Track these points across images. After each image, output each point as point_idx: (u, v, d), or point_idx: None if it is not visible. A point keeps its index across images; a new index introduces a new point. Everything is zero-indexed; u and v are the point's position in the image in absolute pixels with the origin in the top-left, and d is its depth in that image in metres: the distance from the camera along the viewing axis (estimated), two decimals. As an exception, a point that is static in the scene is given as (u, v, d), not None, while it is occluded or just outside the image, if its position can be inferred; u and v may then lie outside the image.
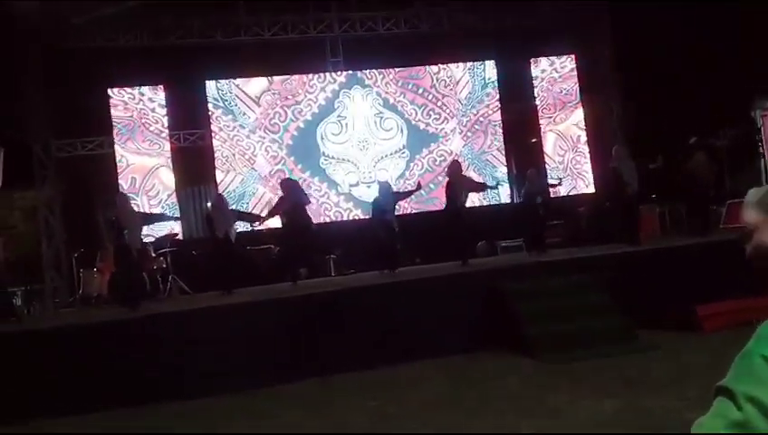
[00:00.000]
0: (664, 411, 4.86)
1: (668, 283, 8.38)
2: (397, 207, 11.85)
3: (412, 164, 15.80)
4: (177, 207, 14.55)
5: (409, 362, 7.49)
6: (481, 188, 12.52)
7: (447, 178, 11.46)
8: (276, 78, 15.49)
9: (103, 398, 6.84)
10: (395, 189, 12.63)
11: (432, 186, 15.41)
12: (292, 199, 10.65)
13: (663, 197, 14.27)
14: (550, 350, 7.28)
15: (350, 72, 15.87)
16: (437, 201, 15.25)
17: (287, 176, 13.92)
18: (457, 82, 16.25)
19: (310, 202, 11.58)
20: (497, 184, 13.97)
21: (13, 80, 13.42)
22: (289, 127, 15.30)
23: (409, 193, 12.83)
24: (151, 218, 12.27)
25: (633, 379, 6.01)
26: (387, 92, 15.88)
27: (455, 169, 11.48)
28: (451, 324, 7.95)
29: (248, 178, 15.01)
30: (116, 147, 14.57)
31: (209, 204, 12.76)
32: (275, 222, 12.18)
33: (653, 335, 7.64)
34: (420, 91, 16.08)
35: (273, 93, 15.37)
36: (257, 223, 12.45)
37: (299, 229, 10.62)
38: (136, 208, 11.85)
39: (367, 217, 15.08)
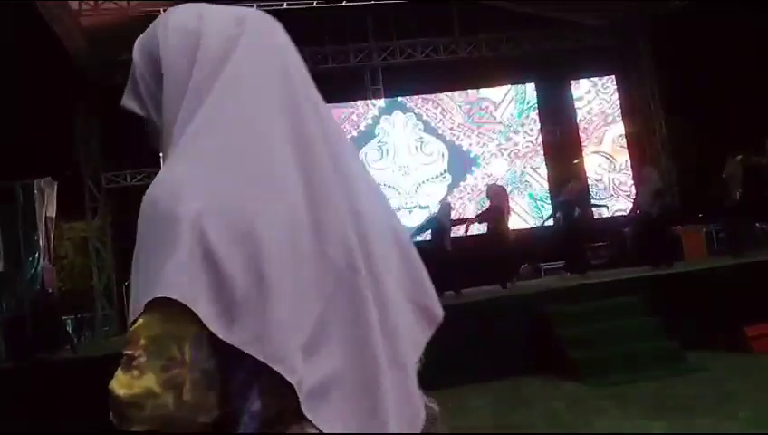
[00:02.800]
0: (714, 433, 4.81)
1: (716, 303, 8.25)
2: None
3: (454, 188, 15.86)
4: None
5: (454, 387, 7.49)
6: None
7: (490, 202, 11.47)
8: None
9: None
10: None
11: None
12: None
13: (708, 216, 14.06)
14: (596, 373, 7.22)
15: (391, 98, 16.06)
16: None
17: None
18: (498, 106, 16.32)
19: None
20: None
21: (65, 115, 13.90)
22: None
23: (463, 222, 12.85)
24: None
25: (682, 401, 5.94)
26: (427, 116, 16.00)
27: (496, 191, 11.50)
28: (495, 348, 7.94)
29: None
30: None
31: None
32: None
33: (701, 357, 7.53)
34: (461, 114, 16.18)
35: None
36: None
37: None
38: None
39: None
